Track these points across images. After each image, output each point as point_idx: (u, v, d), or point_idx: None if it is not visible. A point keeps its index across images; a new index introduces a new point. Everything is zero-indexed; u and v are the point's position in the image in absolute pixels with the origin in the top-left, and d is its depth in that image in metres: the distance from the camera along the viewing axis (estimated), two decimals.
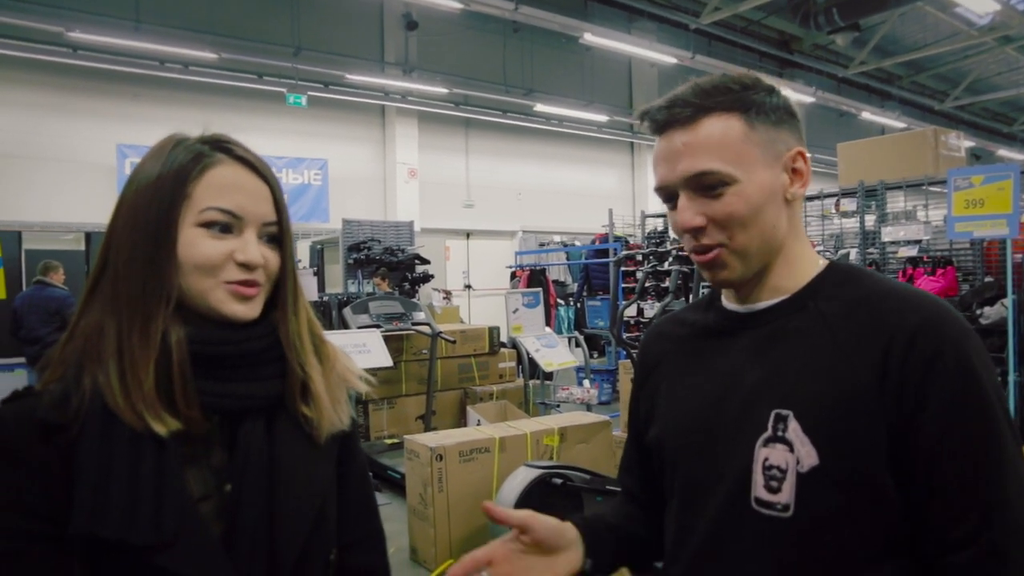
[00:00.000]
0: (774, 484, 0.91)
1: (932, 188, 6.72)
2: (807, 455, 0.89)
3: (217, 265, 0.91)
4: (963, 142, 7.12)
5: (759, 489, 0.93)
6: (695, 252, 0.99)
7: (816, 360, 0.93)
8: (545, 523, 1.04)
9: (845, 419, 0.88)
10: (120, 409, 0.85)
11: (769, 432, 0.92)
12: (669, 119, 0.96)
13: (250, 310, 0.94)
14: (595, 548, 1.09)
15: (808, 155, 0.98)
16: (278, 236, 0.97)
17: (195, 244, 0.90)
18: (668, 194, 0.99)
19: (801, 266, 1.00)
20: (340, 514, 1.05)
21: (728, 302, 1.06)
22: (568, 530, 1.08)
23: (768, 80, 1.00)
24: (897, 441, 0.87)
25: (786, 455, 0.91)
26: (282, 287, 0.99)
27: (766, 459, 0.92)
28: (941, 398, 0.86)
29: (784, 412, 0.92)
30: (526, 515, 1.04)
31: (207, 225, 0.91)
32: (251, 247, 0.92)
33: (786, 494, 0.90)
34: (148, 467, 0.85)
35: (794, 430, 0.91)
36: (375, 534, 1.14)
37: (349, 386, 1.07)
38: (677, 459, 1.06)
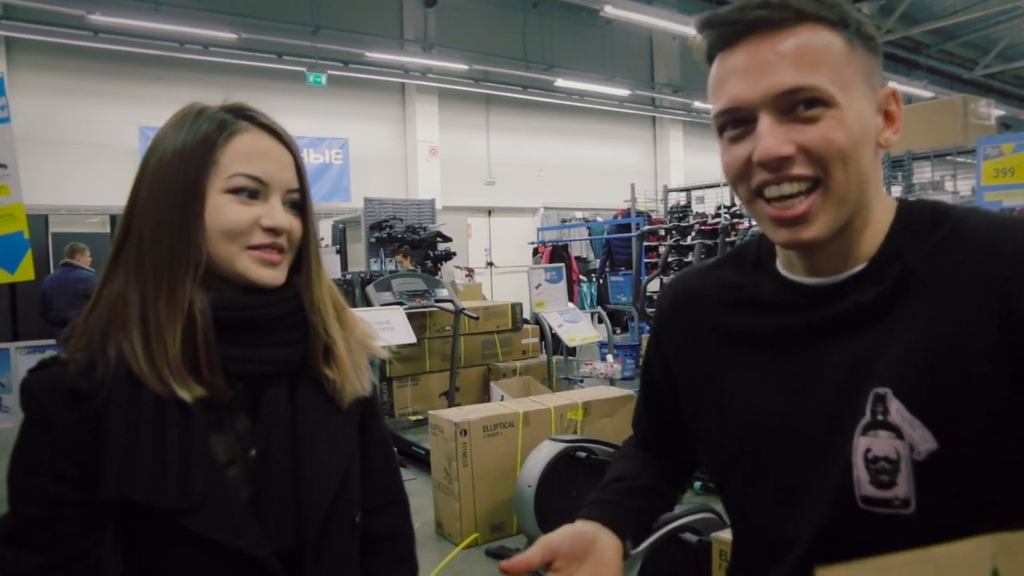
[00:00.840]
0: (884, 478, 0.76)
1: (960, 158, 6.60)
2: (921, 439, 0.74)
3: (244, 231, 0.92)
4: (993, 110, 6.98)
5: (865, 487, 0.77)
6: (774, 200, 0.79)
7: (913, 327, 0.76)
8: (564, 537, 0.94)
9: (962, 388, 0.73)
10: (145, 376, 0.87)
11: (868, 417, 0.77)
12: (756, 21, 0.77)
13: (277, 275, 0.95)
14: (622, 528, 0.99)
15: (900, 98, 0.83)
16: (300, 203, 0.98)
17: (223, 210, 0.91)
18: (739, 118, 0.79)
19: (877, 223, 0.83)
20: (364, 480, 1.07)
21: (788, 271, 0.88)
22: (587, 528, 0.97)
23: None
24: None
25: (893, 443, 0.76)
26: (305, 253, 1.00)
27: (868, 450, 0.77)
28: None
29: (882, 391, 0.77)
30: (543, 548, 0.92)
31: (235, 191, 0.92)
32: (277, 212, 0.94)
33: (903, 487, 0.75)
34: (174, 433, 0.87)
35: (897, 411, 0.76)
36: (398, 499, 1.17)
37: (369, 352, 1.08)
38: (756, 464, 0.89)
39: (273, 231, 0.93)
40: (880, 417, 0.76)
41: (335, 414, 1.00)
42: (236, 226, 0.91)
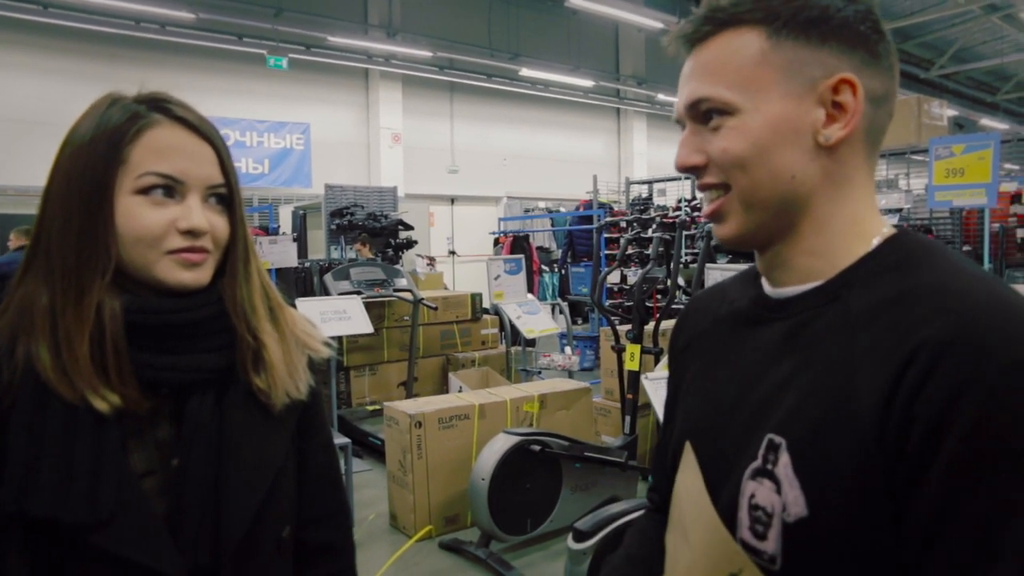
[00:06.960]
0: (759, 528, 0.71)
1: (914, 157, 6.73)
2: (794, 502, 0.68)
3: (159, 236, 0.86)
4: (946, 111, 7.13)
5: (744, 530, 0.73)
6: (705, 202, 0.81)
7: (826, 375, 0.69)
8: None
9: (839, 459, 0.65)
10: (52, 382, 0.82)
11: (758, 462, 0.72)
12: (689, 36, 0.79)
13: (198, 276, 0.90)
14: None
15: (860, 85, 0.73)
16: (227, 198, 0.93)
17: (134, 214, 0.86)
18: (683, 127, 0.82)
19: (845, 240, 0.76)
20: (302, 490, 1.03)
21: (764, 281, 0.84)
22: None
23: None
24: (898, 497, 0.62)
25: (772, 496, 0.70)
26: (232, 252, 0.94)
27: (752, 495, 0.72)
28: (953, 457, 0.59)
29: (777, 440, 0.71)
30: None
31: (145, 191, 0.86)
32: (195, 213, 0.88)
33: (772, 543, 0.70)
34: (85, 441, 0.82)
35: (784, 465, 0.69)
36: (339, 509, 1.11)
37: (311, 351, 1.03)
38: (675, 472, 0.87)
39: (191, 233, 0.87)
40: (769, 466, 0.71)
41: (265, 423, 0.95)
42: (149, 232, 0.86)
